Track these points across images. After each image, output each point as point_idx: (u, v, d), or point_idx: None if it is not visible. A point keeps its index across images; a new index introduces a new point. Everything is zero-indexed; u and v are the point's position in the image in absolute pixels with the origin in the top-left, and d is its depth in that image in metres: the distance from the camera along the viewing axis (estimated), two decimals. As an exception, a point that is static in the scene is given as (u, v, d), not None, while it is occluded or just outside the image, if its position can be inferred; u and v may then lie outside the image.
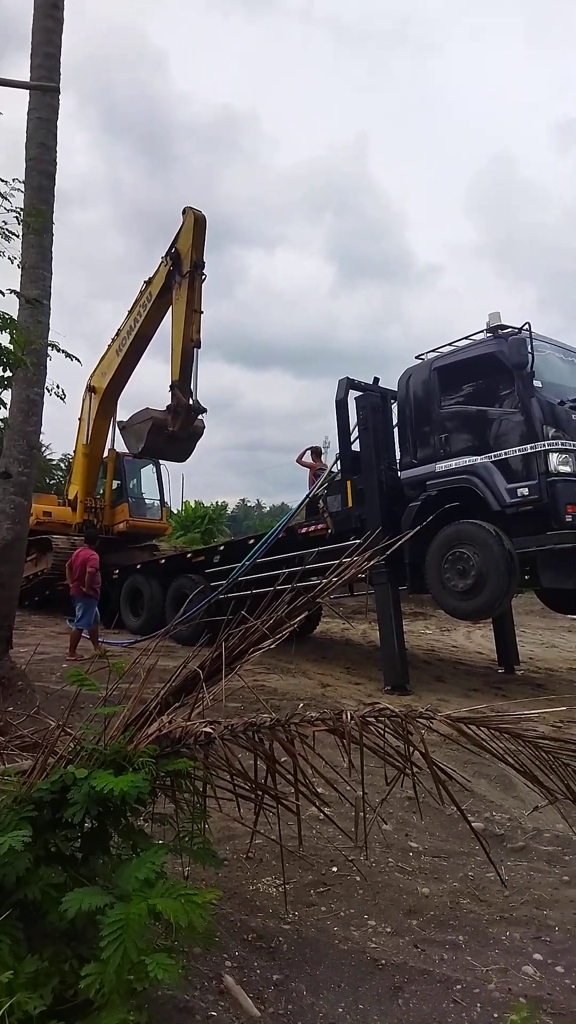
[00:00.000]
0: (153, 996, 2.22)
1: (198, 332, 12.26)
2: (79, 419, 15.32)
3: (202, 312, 12.38)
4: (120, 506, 15.27)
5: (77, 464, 15.65)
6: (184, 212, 12.39)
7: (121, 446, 14.85)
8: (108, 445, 15.29)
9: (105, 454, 15.37)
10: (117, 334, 14.12)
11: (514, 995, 2.49)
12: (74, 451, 15.95)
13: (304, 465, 11.84)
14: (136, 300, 13.49)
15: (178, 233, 12.43)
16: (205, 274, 12.34)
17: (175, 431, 12.55)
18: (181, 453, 13.87)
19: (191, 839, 2.58)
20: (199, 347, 12.32)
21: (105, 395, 14.57)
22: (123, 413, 14.70)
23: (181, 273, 12.17)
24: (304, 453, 11.96)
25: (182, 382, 12.23)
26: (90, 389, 14.84)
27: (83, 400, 15.08)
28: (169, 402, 12.48)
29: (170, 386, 12.39)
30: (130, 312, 13.69)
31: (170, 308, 12.63)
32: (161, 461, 15.29)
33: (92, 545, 10.83)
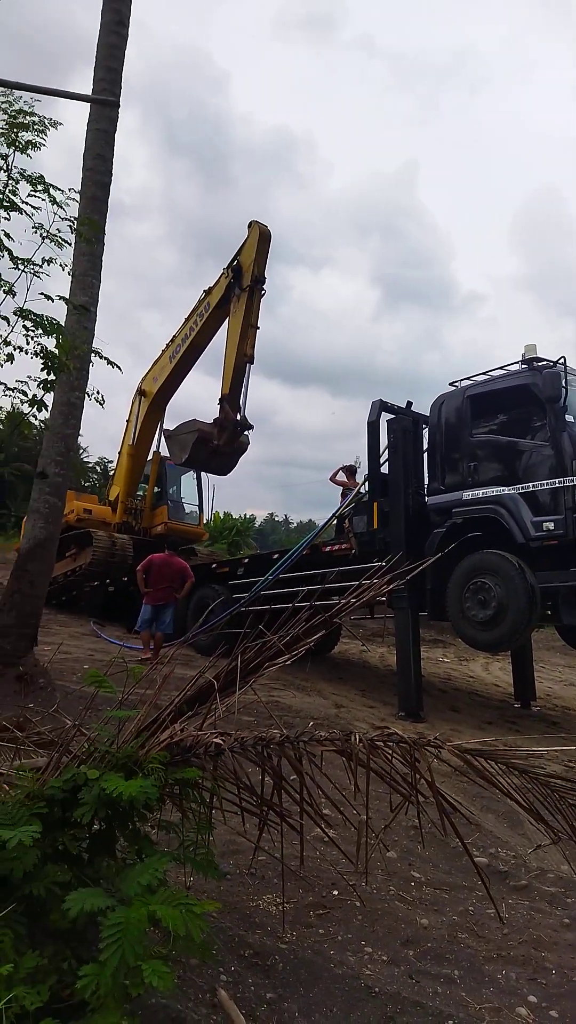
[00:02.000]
0: (147, 1003, 2.24)
1: (252, 347, 12.07)
2: (127, 420, 15.30)
3: (258, 328, 12.18)
4: (159, 509, 15.28)
5: (121, 465, 15.58)
6: (250, 225, 12.24)
7: (165, 451, 14.91)
8: (153, 449, 15.30)
9: (149, 457, 15.39)
10: (172, 340, 14.03)
11: (506, 1035, 2.48)
12: (119, 452, 15.83)
13: (338, 483, 11.81)
14: (194, 309, 13.39)
15: (242, 246, 12.27)
16: (265, 289, 12.20)
17: (220, 445, 12.40)
18: (224, 467, 13.68)
19: (195, 849, 2.60)
20: (252, 363, 12.15)
21: (154, 400, 14.55)
22: (169, 421, 14.78)
23: (241, 287, 12.04)
24: (337, 472, 11.95)
25: (231, 396, 12.06)
26: (140, 392, 14.83)
27: (132, 402, 15.08)
28: (217, 415, 12.32)
29: (219, 399, 12.22)
30: (187, 320, 13.60)
31: (227, 320, 12.48)
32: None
33: (176, 552, 10.65)
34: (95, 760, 2.43)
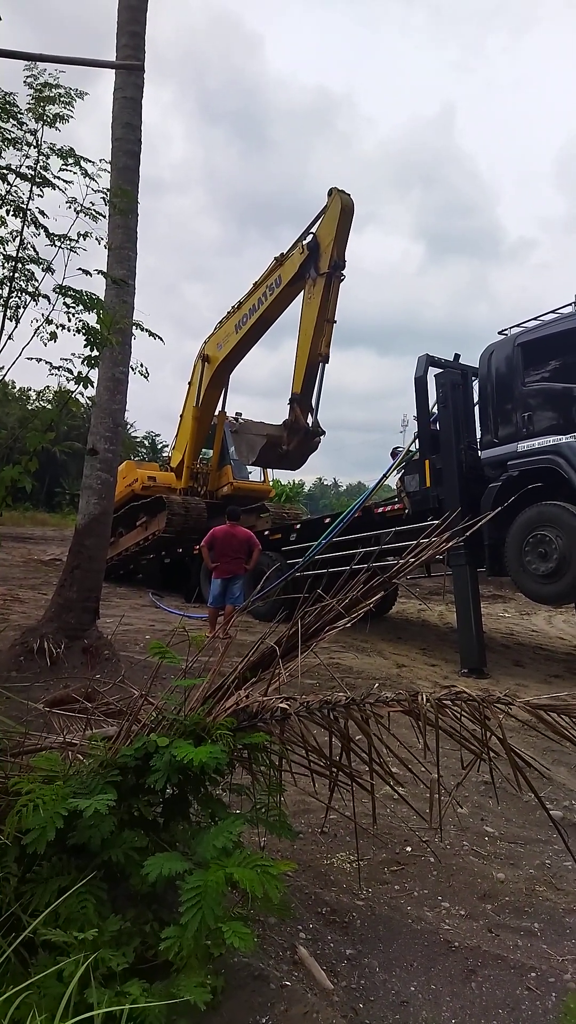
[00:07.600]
0: (229, 962, 2.28)
1: (328, 345, 10.92)
2: (189, 383, 14.65)
3: (335, 322, 10.96)
4: (223, 469, 14.72)
5: (184, 429, 14.91)
6: (330, 193, 10.83)
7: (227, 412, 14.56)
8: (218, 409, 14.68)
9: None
10: (238, 307, 13.02)
11: (591, 987, 2.45)
12: (180, 416, 15.20)
13: None
14: (264, 279, 12.31)
15: (320, 218, 11.01)
16: (344, 275, 10.92)
17: (289, 450, 11.76)
18: (293, 465, 13.21)
19: (267, 811, 2.62)
20: (327, 362, 11.03)
21: (218, 368, 13.80)
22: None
23: (318, 269, 10.86)
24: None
25: (303, 397, 11.20)
26: (203, 357, 14.04)
27: (195, 365, 14.41)
28: (286, 417, 11.59)
29: (290, 399, 11.36)
30: (255, 288, 12.53)
31: (299, 297, 11.42)
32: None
33: (238, 522, 9.59)
34: (164, 728, 2.46)
